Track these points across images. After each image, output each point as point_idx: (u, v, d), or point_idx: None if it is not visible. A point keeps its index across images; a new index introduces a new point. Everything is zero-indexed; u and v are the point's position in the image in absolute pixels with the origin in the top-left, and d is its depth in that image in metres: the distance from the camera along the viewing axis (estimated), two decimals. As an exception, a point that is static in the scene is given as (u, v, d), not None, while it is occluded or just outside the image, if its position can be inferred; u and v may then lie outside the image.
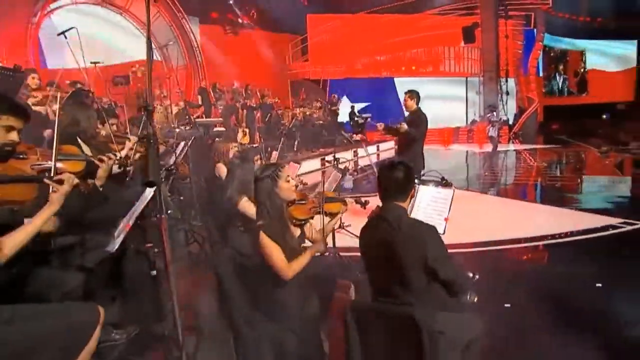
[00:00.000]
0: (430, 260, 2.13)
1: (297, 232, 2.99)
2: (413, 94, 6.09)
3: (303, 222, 3.10)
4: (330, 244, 4.90)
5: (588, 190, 8.74)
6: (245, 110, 11.98)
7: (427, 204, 3.13)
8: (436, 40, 19.76)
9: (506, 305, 3.57)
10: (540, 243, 5.11)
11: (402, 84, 20.49)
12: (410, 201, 2.42)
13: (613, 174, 10.22)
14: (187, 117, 8.59)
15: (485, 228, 5.72)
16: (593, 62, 25.97)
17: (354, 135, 13.91)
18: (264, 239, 2.58)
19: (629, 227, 5.46)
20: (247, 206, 3.68)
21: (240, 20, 16.20)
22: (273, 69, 18.28)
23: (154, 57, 8.23)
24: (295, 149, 12.49)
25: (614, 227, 5.48)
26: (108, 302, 2.93)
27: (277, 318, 2.57)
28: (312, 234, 3.12)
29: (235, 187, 3.75)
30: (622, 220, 5.64)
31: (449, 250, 2.30)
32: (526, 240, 5.16)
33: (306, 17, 19.15)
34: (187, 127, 7.22)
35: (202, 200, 5.34)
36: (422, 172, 5.89)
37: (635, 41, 26.31)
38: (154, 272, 2.76)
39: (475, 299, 2.31)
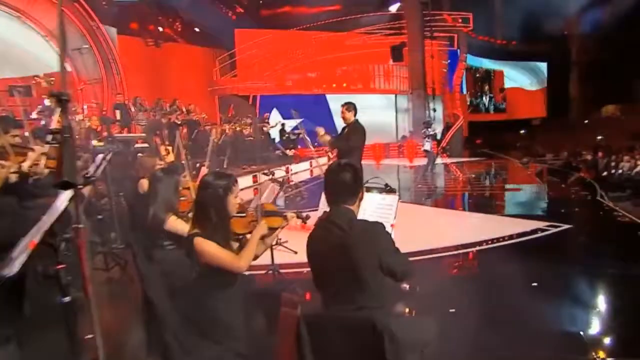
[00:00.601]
0: (382, 255, 2.12)
1: (234, 247, 2.84)
2: (350, 106, 6.17)
3: (241, 237, 2.96)
4: (268, 261, 4.76)
5: (514, 198, 9.41)
6: (169, 127, 11.50)
7: (372, 212, 3.11)
8: (366, 58, 20.56)
9: (450, 310, 3.61)
10: (476, 248, 5.33)
11: (334, 101, 21.04)
12: (359, 204, 2.36)
13: (534, 182, 11.18)
14: (102, 132, 8.05)
15: (424, 237, 5.87)
16: (509, 81, 28.54)
17: (287, 150, 13.88)
18: (201, 241, 2.39)
19: (555, 230, 5.90)
20: (177, 224, 3.44)
21: (162, 31, 15.71)
22: (199, 84, 17.89)
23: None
24: (225, 166, 12.17)
25: (541, 230, 5.88)
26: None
27: (218, 340, 2.37)
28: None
29: (159, 205, 3.46)
30: (548, 224, 6.09)
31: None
32: (464, 246, 5.36)
33: (234, 32, 19.06)
34: (103, 143, 6.69)
35: (124, 220, 4.95)
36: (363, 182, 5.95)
37: (546, 63, 29.42)
38: (68, 299, 2.41)
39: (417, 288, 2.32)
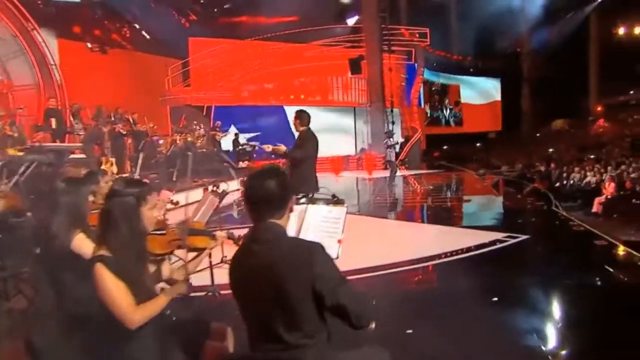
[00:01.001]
0: (317, 282, 1.70)
1: (151, 270, 2.38)
2: (300, 115, 5.83)
3: (160, 258, 2.51)
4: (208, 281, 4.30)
5: (472, 209, 9.33)
6: (113, 137, 10.78)
7: (317, 226, 2.71)
8: (324, 70, 20.45)
9: (408, 331, 3.30)
10: (435, 262, 5.07)
11: (293, 113, 20.76)
12: (288, 216, 1.96)
13: (491, 194, 11.22)
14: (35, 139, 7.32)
15: (380, 251, 5.56)
16: (466, 96, 29.32)
17: (239, 163, 13.37)
18: (102, 272, 1.94)
19: (513, 240, 5.75)
20: (83, 244, 2.87)
21: (108, 37, 14.93)
22: (150, 93, 17.10)
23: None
24: (174, 179, 11.53)
25: (500, 241, 5.71)
26: None
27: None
28: (172, 272, 2.52)
29: (63, 221, 2.88)
30: (507, 235, 5.94)
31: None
32: (424, 260, 5.09)
33: (188, 40, 18.48)
34: (23, 152, 5.98)
35: (38, 241, 4.32)
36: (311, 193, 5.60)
37: (499, 78, 30.51)
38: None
39: (373, 325, 1.90)
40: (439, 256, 5.17)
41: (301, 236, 2.63)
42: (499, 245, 5.55)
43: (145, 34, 16.00)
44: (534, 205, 8.63)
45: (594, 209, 12.27)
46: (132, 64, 15.99)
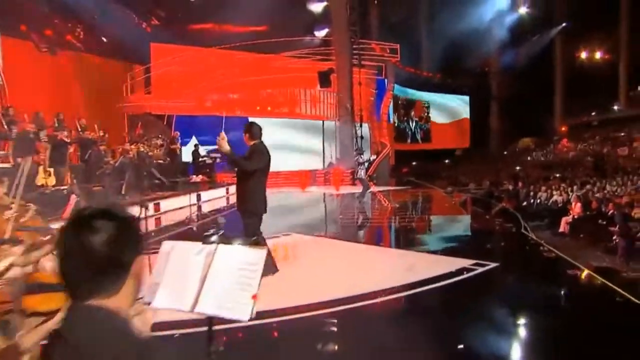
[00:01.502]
0: None
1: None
2: (249, 128, 5.16)
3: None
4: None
5: (439, 231, 8.82)
6: (53, 145, 9.76)
7: (228, 274, 2.00)
8: (292, 82, 19.89)
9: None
10: (396, 295, 4.43)
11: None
12: (132, 291, 1.09)
13: (458, 213, 10.78)
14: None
15: (336, 283, 4.89)
16: (434, 113, 29.35)
17: (193, 176, 12.51)
18: None
19: (481, 269, 5.21)
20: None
21: (59, 37, 13.89)
22: (106, 100, 16.06)
23: None
24: (122, 192, 10.58)
25: (467, 269, 5.16)
26: None
27: None
28: None
29: None
30: (474, 262, 5.39)
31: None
32: (382, 293, 4.44)
33: (150, 46, 17.59)
34: None
35: None
36: (261, 214, 4.91)
37: (468, 96, 30.75)
38: None
39: None
40: (400, 288, 4.55)
41: (206, 289, 1.92)
42: (465, 275, 4.98)
43: (102, 37, 15.02)
44: (502, 227, 8.19)
45: (561, 229, 12.03)
46: (86, 67, 14.99)
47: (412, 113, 27.85)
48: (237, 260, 2.01)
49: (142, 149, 12.53)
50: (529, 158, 27.58)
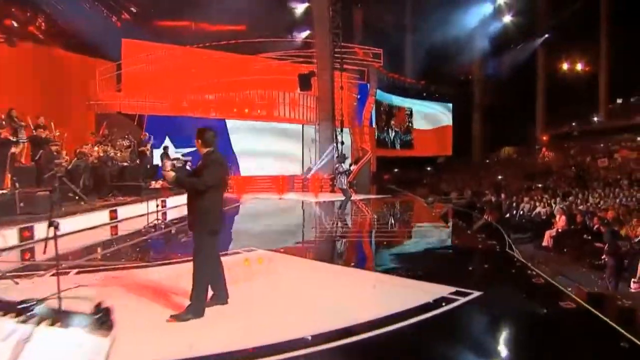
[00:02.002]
0: None
1: None
2: (201, 134, 4.32)
3: None
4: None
5: (416, 247, 8.05)
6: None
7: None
8: (271, 84, 19.08)
9: None
10: (363, 336, 3.64)
11: (235, 128, 19.18)
12: None
13: (439, 226, 10.06)
14: None
15: (292, 319, 4.09)
16: (417, 119, 28.84)
17: (153, 182, 11.56)
18: None
19: (463, 299, 4.46)
20: None
21: (18, 27, 12.84)
22: (72, 97, 15.04)
23: None
24: (76, 197, 9.60)
25: (447, 300, 4.41)
26: None
27: None
28: None
29: None
30: (455, 290, 4.65)
31: None
32: (344, 333, 3.64)
33: (121, 42, 16.62)
34: None
35: None
36: (214, 230, 4.11)
37: (451, 104, 30.34)
38: None
39: None
40: (365, 326, 3.76)
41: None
42: (445, 308, 4.21)
43: (67, 29, 13.99)
44: (485, 246, 7.47)
45: (545, 242, 11.48)
46: (49, 61, 13.93)
47: (394, 119, 27.28)
48: (63, 352, 1.19)
49: (108, 151, 11.58)
50: (510, 167, 27.20)
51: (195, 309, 3.91)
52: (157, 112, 17.14)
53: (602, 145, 28.08)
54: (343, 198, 11.25)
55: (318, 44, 19.30)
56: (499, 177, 22.76)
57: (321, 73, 19.19)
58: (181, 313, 3.92)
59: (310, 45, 19.51)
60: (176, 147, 17.19)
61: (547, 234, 11.60)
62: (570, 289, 5.12)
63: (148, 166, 13.16)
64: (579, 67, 31.76)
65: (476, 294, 4.63)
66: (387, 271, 5.89)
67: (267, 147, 19.14)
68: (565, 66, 31.95)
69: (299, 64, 19.47)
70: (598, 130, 28.96)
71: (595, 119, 30.22)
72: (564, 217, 11.49)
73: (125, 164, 12.72)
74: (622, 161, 23.39)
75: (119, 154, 12.72)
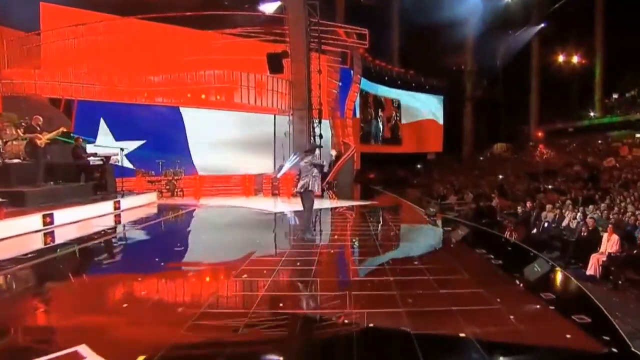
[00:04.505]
0: None
1: None
2: None
3: None
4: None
5: (429, 319, 4.25)
6: None
7: None
8: (234, 65, 15.20)
9: None
10: None
11: (191, 116, 15.32)
12: None
13: (452, 257, 6.19)
14: None
15: None
16: (405, 112, 25.18)
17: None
18: None
19: None
20: None
21: None
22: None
23: None
24: None
25: None
26: None
27: None
28: None
29: None
30: None
31: None
32: None
33: (39, 7, 12.62)
34: None
35: None
36: None
37: (442, 96, 26.73)
38: None
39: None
40: None
41: None
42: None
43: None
44: (528, 299, 3.82)
45: (591, 271, 7.97)
46: None
47: (381, 111, 23.58)
48: None
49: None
50: (507, 165, 23.72)
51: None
52: (88, 97, 13.18)
53: (600, 142, 25.07)
54: (319, 206, 7.23)
55: (291, 20, 15.46)
56: (500, 176, 19.22)
57: (294, 53, 15.36)
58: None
59: (282, 22, 15.65)
60: (117, 139, 13.37)
61: (594, 259, 8.03)
62: None
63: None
64: (574, 59, 28.67)
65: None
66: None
67: (231, 140, 15.36)
68: (560, 58, 28.80)
69: (268, 42, 15.67)
70: (594, 126, 26.02)
71: (591, 114, 27.35)
72: (616, 237, 7.95)
73: (17, 160, 8.83)
74: (632, 159, 20.10)
75: (10, 148, 8.83)
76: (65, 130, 8.74)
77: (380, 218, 9.32)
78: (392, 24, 24.26)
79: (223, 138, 15.27)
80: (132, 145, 13.66)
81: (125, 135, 13.49)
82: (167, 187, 12.36)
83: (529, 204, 9.61)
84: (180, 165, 13.12)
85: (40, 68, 12.65)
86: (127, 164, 12.68)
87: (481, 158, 26.22)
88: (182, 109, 14.80)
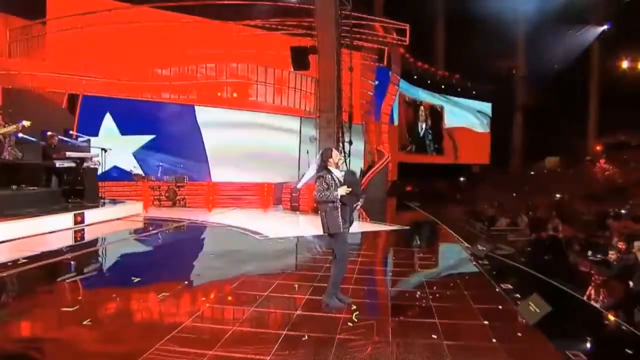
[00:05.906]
0: None
1: None
2: None
3: None
4: None
5: None
6: None
7: None
8: (256, 60, 13.28)
9: None
10: None
11: (207, 116, 13.51)
12: None
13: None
14: None
15: None
16: (449, 119, 22.39)
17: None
18: None
19: None
20: None
21: None
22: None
23: None
24: None
25: None
26: None
27: None
28: None
29: None
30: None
31: None
32: None
33: (46, -6, 11.24)
34: None
35: None
36: None
37: (490, 103, 23.69)
38: None
39: None
40: None
41: None
42: None
43: None
44: None
45: None
46: None
47: (421, 117, 20.95)
48: None
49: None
50: (561, 182, 20.38)
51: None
52: (95, 92, 11.64)
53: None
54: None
55: (320, 11, 13.29)
56: (557, 195, 16.10)
57: (323, 48, 13.17)
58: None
59: (310, 13, 13.54)
60: (122, 133, 11.82)
61: None
62: None
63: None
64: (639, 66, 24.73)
65: None
66: None
67: (250, 145, 13.39)
68: (624, 64, 24.92)
69: (294, 36, 13.63)
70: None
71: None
72: None
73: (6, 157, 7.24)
74: None
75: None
76: (27, 125, 6.98)
77: (407, 258, 6.50)
78: (436, 20, 21.63)
79: (241, 141, 13.34)
80: (139, 141, 12.07)
81: (132, 130, 11.93)
82: (167, 194, 10.51)
83: (620, 244, 6.67)
84: (184, 169, 11.33)
85: (45, 60, 11.22)
86: (124, 166, 11.01)
87: (532, 173, 22.89)
88: (196, 107, 13.00)
